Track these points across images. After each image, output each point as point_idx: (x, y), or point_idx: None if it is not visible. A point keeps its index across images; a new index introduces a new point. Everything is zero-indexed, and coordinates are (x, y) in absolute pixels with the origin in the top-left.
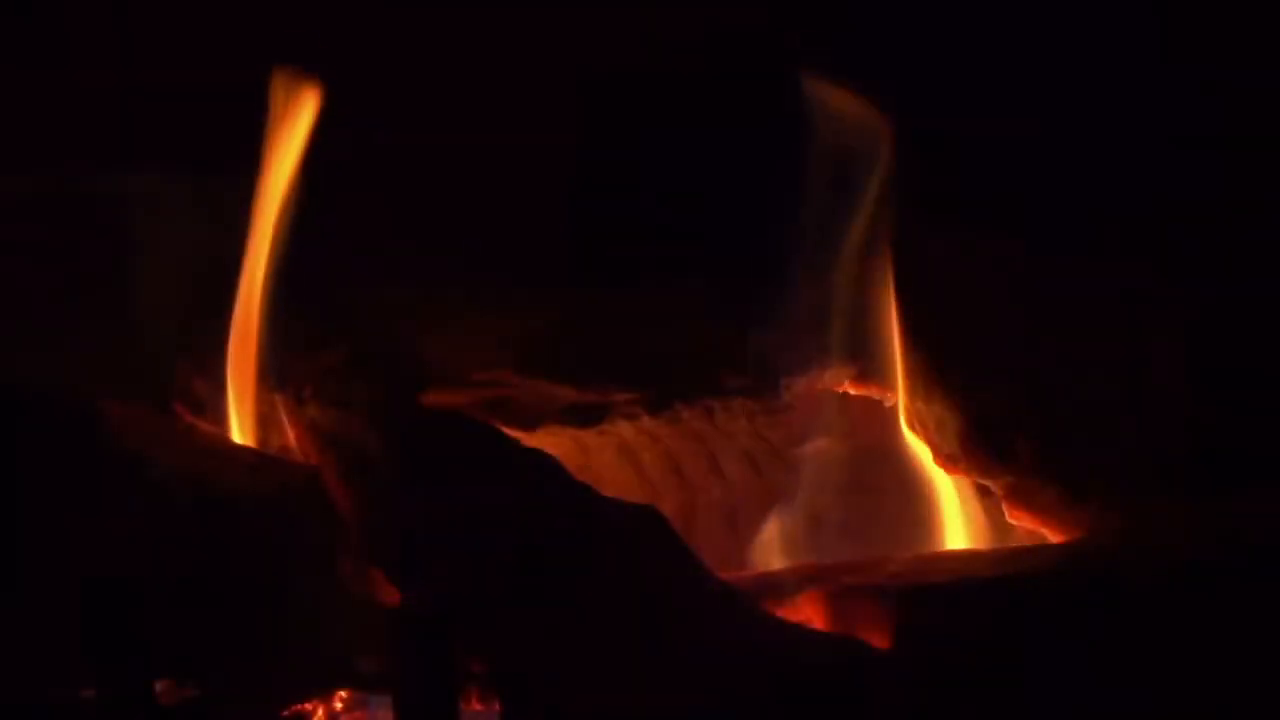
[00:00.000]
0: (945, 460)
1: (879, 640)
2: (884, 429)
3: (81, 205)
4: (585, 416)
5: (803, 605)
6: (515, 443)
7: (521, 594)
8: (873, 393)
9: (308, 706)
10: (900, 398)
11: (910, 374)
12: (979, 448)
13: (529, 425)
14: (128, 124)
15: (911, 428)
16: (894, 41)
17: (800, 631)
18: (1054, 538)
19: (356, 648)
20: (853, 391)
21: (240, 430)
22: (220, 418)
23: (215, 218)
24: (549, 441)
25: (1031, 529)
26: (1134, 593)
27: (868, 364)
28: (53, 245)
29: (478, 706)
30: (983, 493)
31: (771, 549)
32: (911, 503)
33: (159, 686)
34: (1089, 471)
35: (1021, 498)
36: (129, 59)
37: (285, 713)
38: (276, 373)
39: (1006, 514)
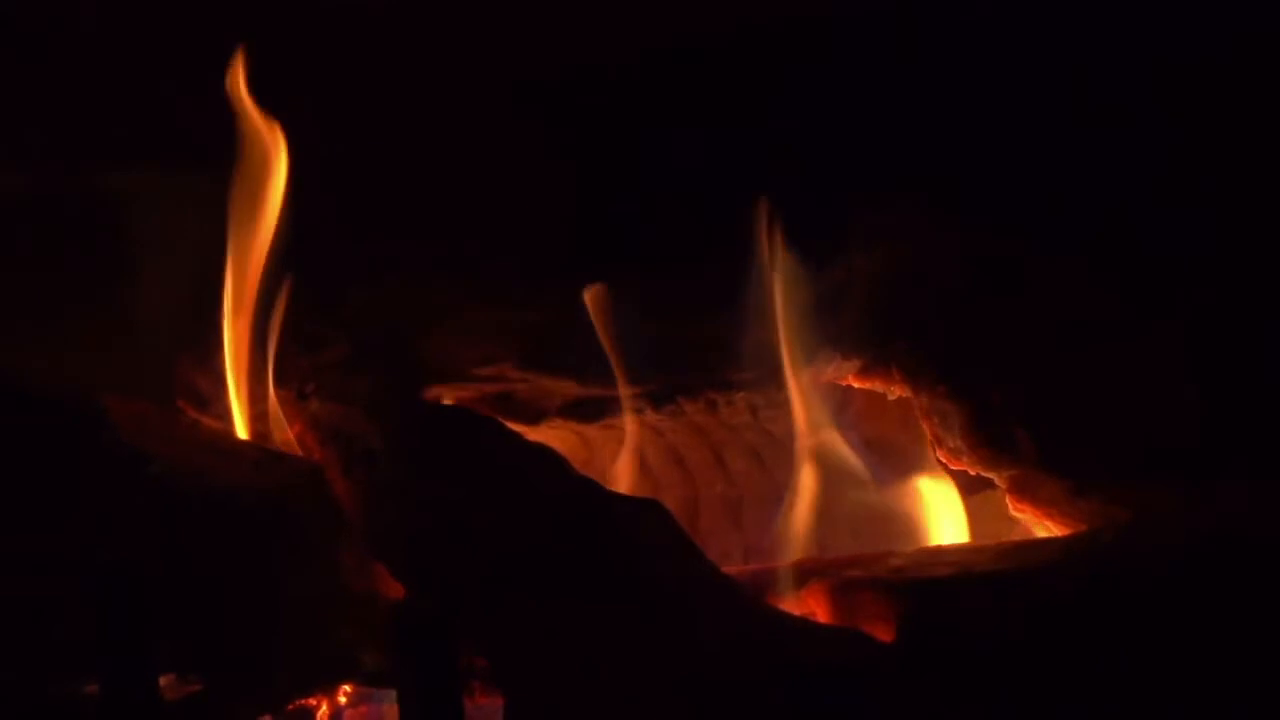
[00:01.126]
0: (948, 453)
1: (883, 634)
2: (888, 422)
3: (83, 202)
4: (588, 411)
5: (806, 599)
6: (518, 437)
7: (525, 588)
8: (876, 386)
9: (311, 701)
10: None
11: (912, 367)
12: (982, 441)
13: (532, 420)
14: (128, 120)
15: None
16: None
17: (804, 625)
18: (1057, 531)
19: (360, 642)
20: (856, 385)
21: (245, 426)
22: (224, 413)
23: (217, 212)
24: (552, 436)
25: (1034, 522)
26: (1137, 586)
27: (872, 357)
28: (55, 242)
29: (481, 700)
30: (986, 485)
31: (775, 542)
32: (915, 496)
33: (163, 681)
34: (1092, 464)
35: (1024, 491)
36: (128, 55)
37: (289, 707)
38: (278, 368)
39: (1010, 507)
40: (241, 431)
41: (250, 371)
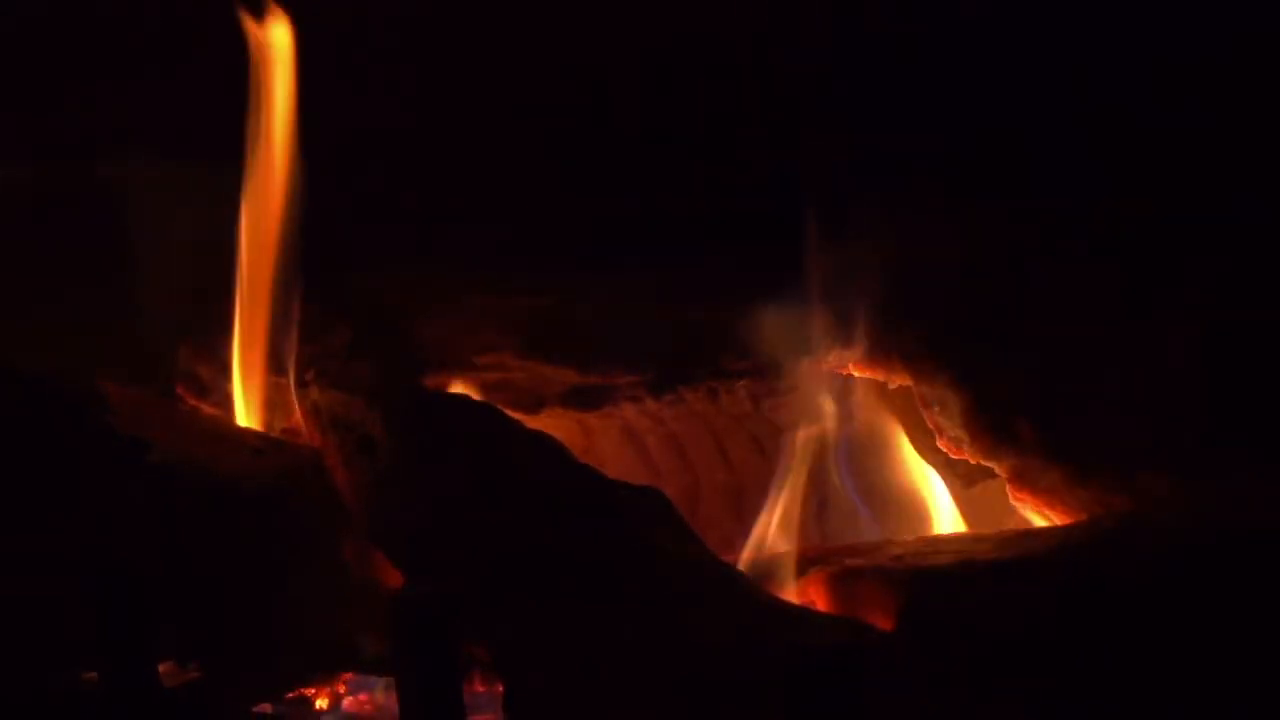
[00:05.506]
0: (949, 442)
1: (882, 622)
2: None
3: (83, 191)
4: (588, 399)
5: (806, 587)
6: (519, 425)
7: (524, 576)
8: (877, 374)
9: (310, 690)
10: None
11: (913, 356)
12: (982, 429)
13: (532, 408)
14: (128, 110)
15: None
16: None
17: (803, 613)
18: (1057, 520)
19: (360, 631)
20: (857, 373)
21: (246, 413)
22: (223, 401)
23: (216, 201)
24: (552, 424)
25: (1035, 511)
26: (1137, 575)
27: (872, 345)
28: (55, 231)
29: (480, 688)
30: (986, 475)
31: (775, 531)
32: (914, 484)
33: (162, 669)
34: (1092, 453)
35: (1025, 480)
36: (126, 46)
37: (288, 696)
38: (279, 356)
39: (1010, 496)
40: (243, 419)
41: (259, 359)
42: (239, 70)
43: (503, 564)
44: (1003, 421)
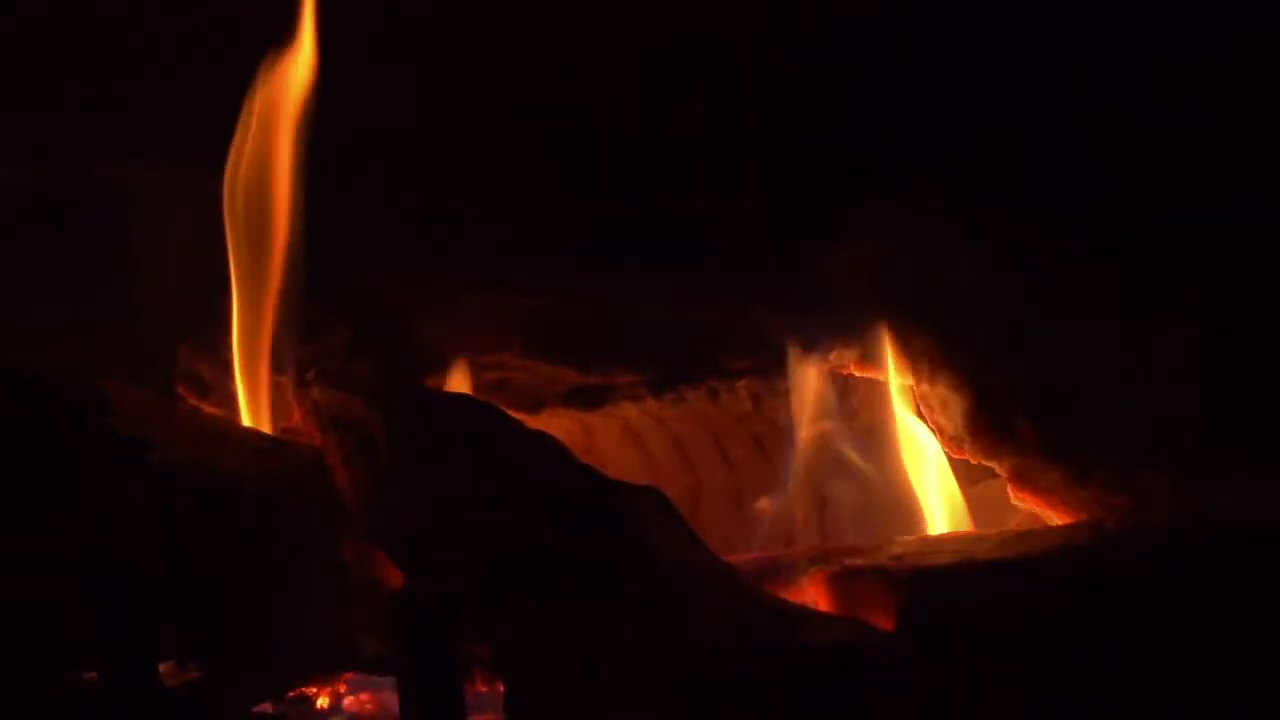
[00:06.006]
0: (950, 442)
1: (883, 622)
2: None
3: (85, 191)
4: (588, 399)
5: (807, 587)
6: (519, 424)
7: (524, 576)
8: (877, 375)
9: (311, 689)
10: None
11: (914, 355)
12: (984, 429)
13: (532, 407)
14: (130, 110)
15: (918, 409)
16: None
17: (804, 613)
18: (1058, 519)
19: (361, 630)
20: (858, 373)
21: (251, 414)
22: (225, 401)
23: (216, 201)
24: (553, 424)
25: (1035, 511)
26: (1138, 575)
27: (871, 345)
28: (56, 231)
29: (481, 688)
30: (988, 473)
31: (776, 531)
32: (913, 484)
33: (162, 668)
34: (1093, 453)
35: (1026, 479)
36: (128, 45)
37: (289, 695)
38: (279, 356)
39: (1011, 496)
40: (248, 419)
41: (267, 358)
42: (239, 70)
43: (503, 564)
44: (1003, 421)
